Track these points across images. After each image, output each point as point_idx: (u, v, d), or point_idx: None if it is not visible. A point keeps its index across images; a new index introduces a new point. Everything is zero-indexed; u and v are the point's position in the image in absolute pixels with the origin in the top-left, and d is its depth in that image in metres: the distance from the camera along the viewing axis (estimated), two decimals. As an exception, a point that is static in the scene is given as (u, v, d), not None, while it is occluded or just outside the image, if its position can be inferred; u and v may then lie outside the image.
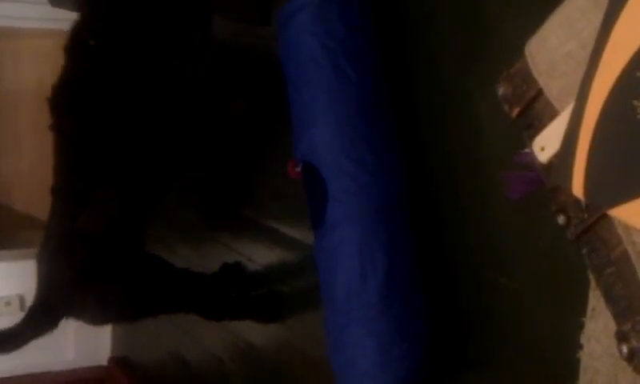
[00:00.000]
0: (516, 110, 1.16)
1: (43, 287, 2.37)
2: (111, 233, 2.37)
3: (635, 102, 0.96)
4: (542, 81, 1.11)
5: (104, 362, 4.09)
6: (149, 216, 2.52)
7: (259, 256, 2.79)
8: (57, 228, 2.39)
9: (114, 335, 4.08)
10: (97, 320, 2.60)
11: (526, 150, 1.22)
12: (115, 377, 3.98)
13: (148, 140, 2.44)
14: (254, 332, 2.80)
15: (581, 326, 1.56)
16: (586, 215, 1.08)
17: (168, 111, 2.51)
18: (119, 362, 4.03)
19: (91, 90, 2.39)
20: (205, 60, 2.78)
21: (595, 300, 1.54)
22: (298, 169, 2.09)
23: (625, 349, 1.04)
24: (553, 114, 1.10)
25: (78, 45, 2.41)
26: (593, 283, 1.51)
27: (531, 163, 1.21)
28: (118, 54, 2.37)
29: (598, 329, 1.54)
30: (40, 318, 2.35)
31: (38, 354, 3.72)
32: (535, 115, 1.13)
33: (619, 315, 1.06)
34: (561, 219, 1.12)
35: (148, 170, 2.46)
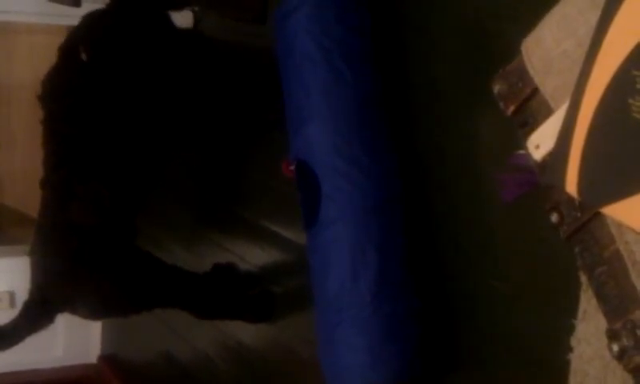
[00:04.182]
0: (511, 108, 1.16)
1: (37, 281, 2.36)
2: (103, 224, 2.37)
3: (630, 101, 0.96)
4: (538, 79, 1.11)
5: (93, 359, 4.08)
6: (138, 209, 2.52)
7: (252, 255, 2.79)
8: (48, 221, 2.39)
9: (103, 333, 4.07)
10: (91, 314, 2.59)
11: (521, 152, 1.22)
12: (104, 375, 3.97)
13: (135, 135, 2.46)
14: (244, 331, 2.80)
15: (571, 329, 1.57)
16: (579, 213, 1.09)
17: (156, 111, 2.53)
18: (108, 360, 4.01)
19: (80, 90, 2.40)
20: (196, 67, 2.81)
21: (586, 302, 1.55)
22: (292, 167, 2.09)
23: (616, 347, 1.04)
24: (548, 112, 1.11)
25: (70, 53, 2.43)
26: (584, 285, 1.51)
27: (525, 165, 1.22)
28: (107, 71, 2.40)
29: (589, 331, 1.54)
30: (36, 313, 2.34)
31: (26, 352, 3.71)
32: (530, 113, 1.13)
33: (610, 314, 1.06)
34: (554, 217, 1.13)
35: (136, 163, 2.46)
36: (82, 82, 2.42)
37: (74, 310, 2.42)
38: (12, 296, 3.70)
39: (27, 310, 2.34)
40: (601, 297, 1.08)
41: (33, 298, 2.35)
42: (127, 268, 2.43)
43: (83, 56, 2.40)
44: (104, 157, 2.39)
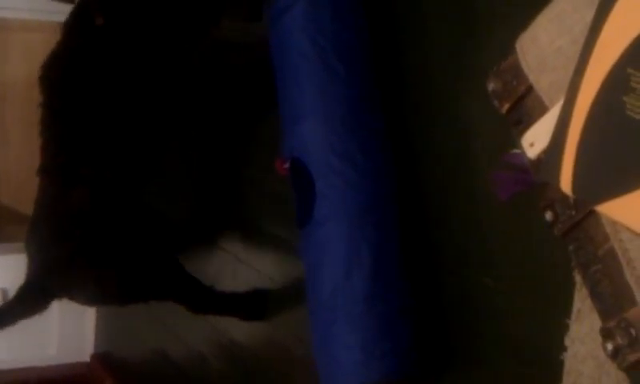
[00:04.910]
0: (506, 106, 1.16)
1: (36, 267, 2.34)
2: (104, 212, 2.35)
3: (625, 98, 0.96)
4: (533, 76, 1.11)
5: (87, 358, 4.08)
6: (140, 195, 2.51)
7: (245, 254, 2.79)
8: (47, 207, 2.36)
9: (97, 331, 4.06)
10: (89, 301, 2.58)
11: (516, 151, 1.22)
12: (98, 373, 3.96)
13: (141, 120, 2.42)
14: (238, 330, 2.80)
15: (566, 328, 1.57)
16: (573, 212, 1.08)
17: (162, 93, 2.49)
18: (102, 358, 4.01)
19: (87, 67, 2.36)
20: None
21: (580, 302, 1.55)
22: (286, 165, 2.09)
23: (610, 346, 1.04)
24: (543, 110, 1.10)
25: (81, 21, 2.39)
26: (578, 285, 1.52)
27: (520, 164, 1.22)
28: (122, 37, 2.35)
29: (583, 331, 1.54)
30: (32, 298, 2.32)
31: (20, 350, 3.71)
32: (525, 111, 1.13)
33: (605, 312, 1.06)
34: (548, 215, 1.12)
35: (140, 146, 2.44)
36: (96, 50, 2.36)
37: (71, 297, 2.41)
38: (5, 293, 3.69)
39: (23, 294, 2.33)
40: (595, 295, 1.08)
41: (29, 283, 2.33)
42: (128, 257, 2.41)
43: (98, 20, 2.35)
44: (108, 140, 2.37)
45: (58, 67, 2.39)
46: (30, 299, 2.32)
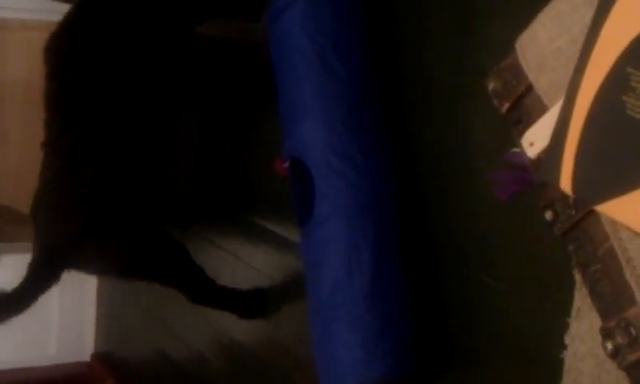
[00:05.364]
0: (506, 105, 1.16)
1: (42, 243, 2.34)
2: (112, 188, 2.36)
3: (624, 98, 0.96)
4: (532, 76, 1.11)
5: (87, 357, 4.07)
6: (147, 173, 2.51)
7: (245, 253, 2.79)
8: (54, 183, 2.35)
9: (97, 331, 4.06)
10: (97, 273, 2.59)
11: (515, 150, 1.22)
12: (98, 373, 3.96)
13: (151, 96, 2.42)
14: (238, 329, 2.80)
15: (565, 327, 1.57)
16: (573, 211, 1.09)
17: (175, 70, 2.49)
18: (102, 358, 4.00)
19: (98, 35, 2.35)
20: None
21: (580, 300, 1.54)
22: (286, 165, 2.09)
23: (610, 345, 1.04)
24: (542, 110, 1.11)
25: None
26: (578, 283, 1.51)
27: (520, 163, 1.22)
28: (139, 6, 2.35)
29: (583, 329, 1.54)
30: (42, 273, 2.31)
31: (20, 350, 3.70)
32: (525, 110, 1.13)
33: (604, 312, 1.06)
34: (548, 215, 1.13)
35: (148, 128, 2.44)
36: (111, 19, 2.34)
37: (79, 270, 2.42)
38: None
39: (33, 271, 2.32)
40: (595, 295, 1.08)
41: (38, 258, 2.33)
42: (136, 236, 2.42)
43: None
44: (119, 117, 2.35)
45: (65, 35, 2.37)
46: (41, 275, 2.31)
